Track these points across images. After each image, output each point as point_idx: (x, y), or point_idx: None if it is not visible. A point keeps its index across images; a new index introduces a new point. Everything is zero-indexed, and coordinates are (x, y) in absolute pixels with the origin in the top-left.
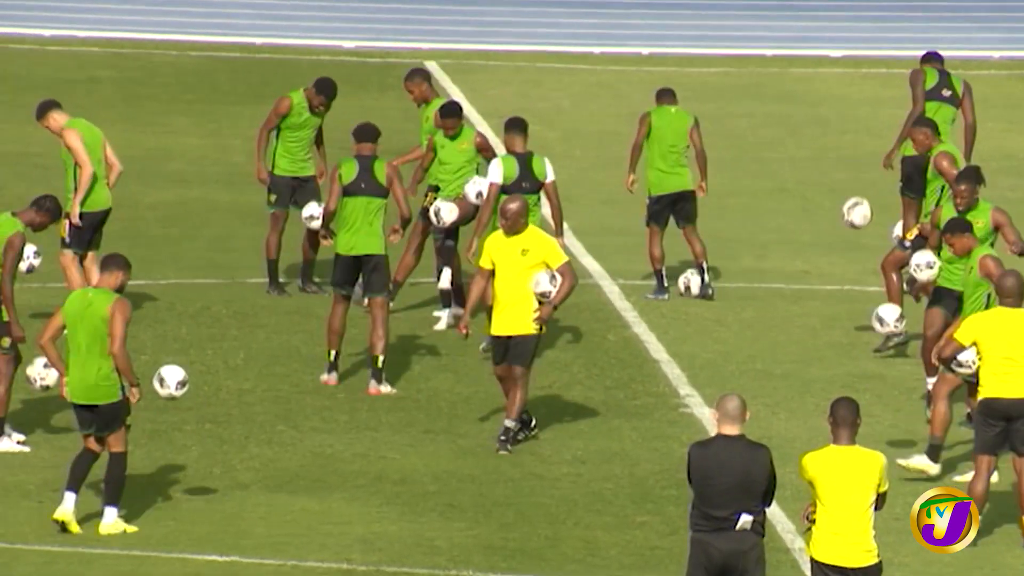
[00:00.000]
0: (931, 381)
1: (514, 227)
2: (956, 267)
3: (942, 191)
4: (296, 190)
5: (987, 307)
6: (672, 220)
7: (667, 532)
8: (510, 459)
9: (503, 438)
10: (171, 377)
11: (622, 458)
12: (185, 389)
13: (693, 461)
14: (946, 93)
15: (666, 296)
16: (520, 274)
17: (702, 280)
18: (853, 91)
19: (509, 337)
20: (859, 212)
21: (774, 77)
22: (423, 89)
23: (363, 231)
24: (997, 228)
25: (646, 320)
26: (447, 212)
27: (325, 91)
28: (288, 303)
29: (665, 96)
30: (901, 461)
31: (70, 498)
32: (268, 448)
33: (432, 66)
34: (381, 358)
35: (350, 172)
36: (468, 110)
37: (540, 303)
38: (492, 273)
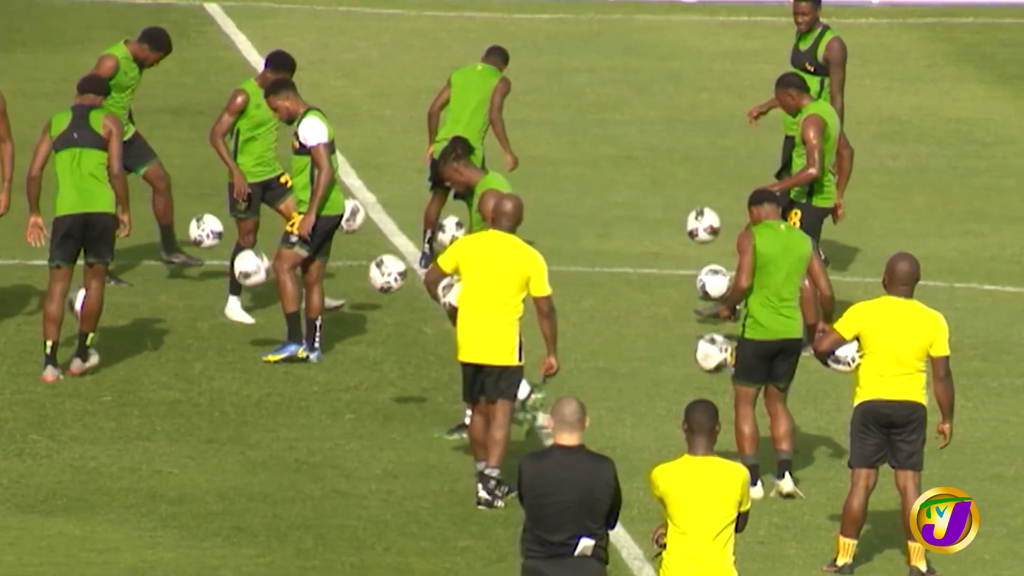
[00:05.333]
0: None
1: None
2: None
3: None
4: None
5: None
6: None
7: (494, 559)
8: (309, 474)
9: (491, 487)
10: None
11: (441, 472)
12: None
13: (525, 476)
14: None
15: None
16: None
17: None
18: (710, 43)
19: (483, 366)
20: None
21: (617, 25)
22: None
23: (85, 186)
24: None
25: None
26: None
27: (163, 46)
28: (42, 286)
29: (490, 56)
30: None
31: None
32: (18, 461)
33: (214, 9)
34: (93, 334)
35: (60, 123)
36: (256, 63)
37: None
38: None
